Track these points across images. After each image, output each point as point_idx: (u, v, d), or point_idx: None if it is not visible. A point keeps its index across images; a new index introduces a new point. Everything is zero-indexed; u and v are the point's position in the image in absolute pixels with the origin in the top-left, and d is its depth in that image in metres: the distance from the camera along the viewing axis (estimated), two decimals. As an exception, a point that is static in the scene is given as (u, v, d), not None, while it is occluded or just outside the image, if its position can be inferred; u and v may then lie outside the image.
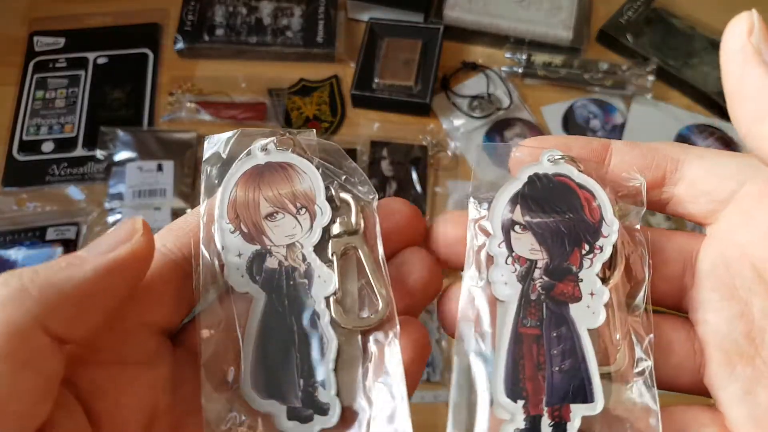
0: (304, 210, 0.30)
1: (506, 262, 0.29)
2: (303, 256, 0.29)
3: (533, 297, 0.28)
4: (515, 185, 0.30)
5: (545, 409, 0.27)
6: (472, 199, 0.30)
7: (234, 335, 0.28)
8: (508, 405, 0.27)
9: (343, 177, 0.31)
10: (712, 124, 0.84)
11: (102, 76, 0.85)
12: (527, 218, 0.29)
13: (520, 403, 0.27)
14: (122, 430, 0.26)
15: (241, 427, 0.27)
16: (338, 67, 0.87)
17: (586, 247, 0.29)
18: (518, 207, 0.29)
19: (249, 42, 0.87)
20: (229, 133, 0.31)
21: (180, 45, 0.87)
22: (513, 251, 0.29)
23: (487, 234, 0.29)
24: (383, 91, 0.83)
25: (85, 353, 0.25)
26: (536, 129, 0.84)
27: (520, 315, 0.28)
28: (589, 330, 0.28)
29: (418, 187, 0.80)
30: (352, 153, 0.81)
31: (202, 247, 0.29)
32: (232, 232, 0.29)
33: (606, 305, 0.28)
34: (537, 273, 0.29)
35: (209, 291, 0.29)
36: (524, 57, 0.86)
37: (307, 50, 0.87)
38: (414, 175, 0.80)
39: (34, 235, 0.75)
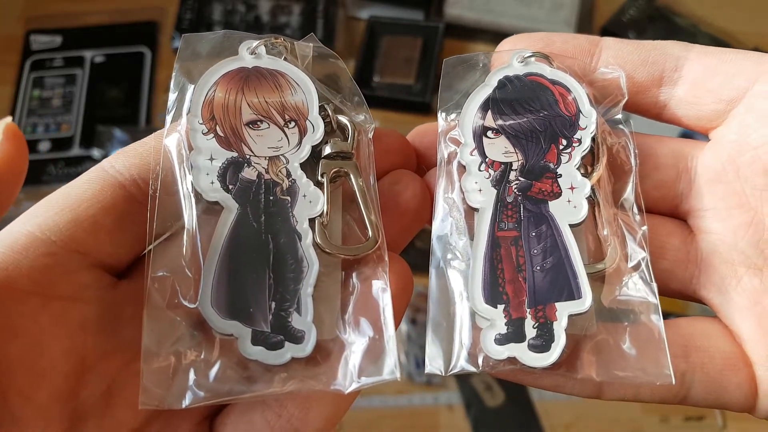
0: (293, 123, 0.27)
1: (479, 169, 0.27)
2: (287, 171, 0.26)
3: (509, 199, 0.27)
4: (484, 91, 0.29)
5: (528, 310, 0.25)
6: (440, 111, 0.29)
7: (195, 248, 0.25)
8: (487, 311, 0.25)
9: (339, 99, 0.28)
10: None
11: (99, 74, 0.85)
12: (499, 122, 0.28)
13: (500, 307, 0.25)
14: (40, 381, 0.21)
15: (192, 350, 0.24)
16: (337, 65, 0.87)
17: (564, 141, 0.28)
18: (489, 112, 0.28)
19: (247, 40, 0.86)
20: (211, 33, 0.28)
21: (177, 43, 0.86)
22: (486, 157, 0.28)
23: (457, 144, 0.28)
24: (383, 90, 0.83)
25: None
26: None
27: (497, 219, 0.27)
28: (572, 226, 0.26)
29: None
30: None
31: (165, 146, 0.25)
32: (205, 134, 0.26)
33: (589, 199, 0.27)
34: (512, 175, 0.27)
35: (171, 222, 0.25)
36: (526, 55, 0.85)
37: (305, 48, 0.86)
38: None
39: (30, 236, 0.75)
